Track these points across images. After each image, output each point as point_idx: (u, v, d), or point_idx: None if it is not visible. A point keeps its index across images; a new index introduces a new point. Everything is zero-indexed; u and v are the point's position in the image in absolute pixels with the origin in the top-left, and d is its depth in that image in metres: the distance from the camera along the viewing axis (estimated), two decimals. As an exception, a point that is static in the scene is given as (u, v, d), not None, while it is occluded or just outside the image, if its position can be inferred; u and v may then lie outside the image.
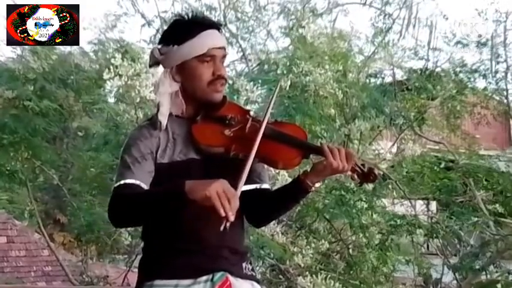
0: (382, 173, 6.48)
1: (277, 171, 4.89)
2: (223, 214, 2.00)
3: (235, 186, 2.18)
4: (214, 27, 2.35)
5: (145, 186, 2.22)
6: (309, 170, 2.33)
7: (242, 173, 2.17)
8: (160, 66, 2.38)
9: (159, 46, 2.37)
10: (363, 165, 2.33)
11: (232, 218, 2.02)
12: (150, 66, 2.42)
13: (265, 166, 2.47)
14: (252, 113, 2.42)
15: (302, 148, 2.34)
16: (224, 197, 2.01)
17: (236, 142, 2.29)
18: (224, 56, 2.34)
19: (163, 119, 2.33)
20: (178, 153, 2.30)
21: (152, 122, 2.35)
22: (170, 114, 2.35)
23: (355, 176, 2.33)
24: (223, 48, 2.34)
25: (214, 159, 2.27)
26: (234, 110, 2.38)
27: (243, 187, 2.28)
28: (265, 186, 2.42)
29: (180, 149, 2.31)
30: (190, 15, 2.41)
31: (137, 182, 2.21)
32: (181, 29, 2.36)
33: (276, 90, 2.61)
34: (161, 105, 2.35)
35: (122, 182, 2.23)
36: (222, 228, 2.02)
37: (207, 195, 2.01)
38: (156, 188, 2.21)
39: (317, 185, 2.35)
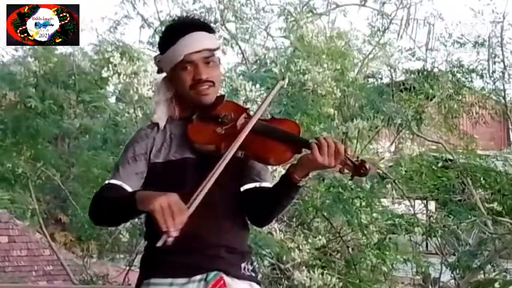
0: (380, 172, 6.52)
1: (274, 168, 4.90)
2: (163, 229, 1.99)
3: (236, 179, 2.22)
4: (194, 29, 2.35)
5: (127, 187, 2.26)
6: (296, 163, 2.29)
7: (208, 177, 2.16)
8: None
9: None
10: (357, 159, 2.26)
11: (174, 234, 2.00)
12: (158, 73, 2.47)
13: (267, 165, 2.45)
14: (251, 112, 2.41)
15: (292, 142, 2.30)
16: (168, 212, 1.99)
17: (227, 140, 2.28)
18: (207, 57, 2.33)
19: (160, 121, 2.38)
20: (173, 152, 2.33)
21: (151, 124, 2.40)
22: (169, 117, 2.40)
23: (344, 169, 2.26)
24: (206, 50, 2.33)
25: (209, 157, 2.27)
26: (230, 108, 2.38)
27: (244, 186, 2.35)
28: (265, 184, 2.39)
29: (175, 149, 2.33)
30: (178, 19, 2.46)
31: (119, 183, 2.27)
32: (165, 36, 2.42)
33: (272, 91, 2.57)
34: (155, 112, 2.40)
35: (107, 181, 2.31)
36: (158, 244, 2.01)
37: (151, 208, 2.01)
38: (120, 196, 2.24)
39: (305, 178, 2.28)
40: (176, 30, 2.38)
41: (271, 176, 2.50)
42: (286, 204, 2.44)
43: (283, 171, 4.85)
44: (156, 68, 2.49)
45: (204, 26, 2.40)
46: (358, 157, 2.30)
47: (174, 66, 2.34)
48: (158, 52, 2.44)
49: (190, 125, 2.35)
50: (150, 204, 2.01)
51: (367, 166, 2.25)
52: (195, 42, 2.33)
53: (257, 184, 2.38)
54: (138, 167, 2.31)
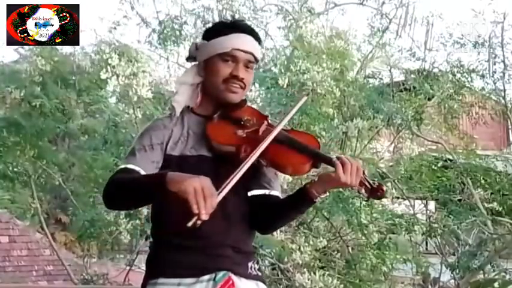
0: (380, 171, 6.52)
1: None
2: (195, 211, 1.98)
3: (246, 183, 2.22)
4: (248, 32, 2.41)
5: (144, 173, 2.25)
6: (316, 179, 2.32)
7: (235, 172, 2.16)
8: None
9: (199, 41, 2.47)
10: (373, 181, 2.31)
11: (204, 217, 1.99)
12: (187, 59, 2.51)
13: (277, 174, 2.48)
14: (269, 119, 2.44)
15: (312, 156, 2.33)
16: (200, 194, 1.98)
17: (248, 143, 2.30)
18: (250, 62, 2.39)
19: (177, 106, 2.40)
20: (189, 148, 2.34)
21: (170, 115, 2.42)
22: (188, 109, 2.42)
23: (363, 191, 2.30)
24: (251, 53, 2.39)
25: (225, 158, 2.29)
26: (252, 114, 2.42)
27: (253, 192, 2.36)
28: (275, 193, 2.42)
29: (192, 145, 2.35)
30: (234, 19, 2.51)
31: (137, 168, 2.26)
32: (216, 27, 2.48)
33: (298, 104, 2.59)
34: (177, 93, 2.43)
35: (123, 166, 2.29)
36: (189, 224, 1.99)
37: (183, 189, 2.00)
38: (145, 175, 2.24)
39: (323, 195, 2.31)
40: (231, 25, 2.45)
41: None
42: (293, 218, 2.52)
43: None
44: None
45: (256, 35, 2.46)
46: (374, 180, 2.34)
47: (215, 55, 2.37)
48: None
49: (210, 123, 2.36)
50: (182, 185, 2.00)
51: (384, 189, 2.30)
52: (246, 42, 2.39)
53: (266, 191, 2.40)
54: (154, 156, 2.31)
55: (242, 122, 2.36)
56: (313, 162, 2.32)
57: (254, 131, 2.35)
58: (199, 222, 1.99)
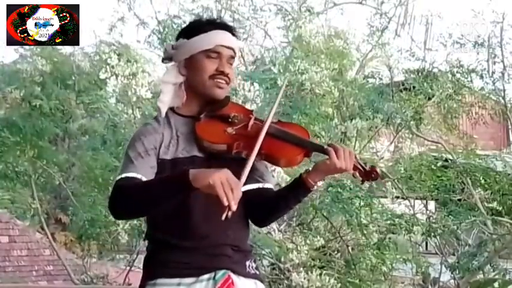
0: (380, 171, 6.52)
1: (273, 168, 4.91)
2: (226, 203, 2.00)
3: (238, 179, 2.18)
4: (227, 29, 2.42)
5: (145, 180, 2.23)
6: (310, 169, 2.33)
7: (245, 166, 2.18)
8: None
9: (174, 42, 2.46)
10: (365, 163, 2.33)
11: (234, 208, 2.01)
12: (163, 60, 2.48)
13: (268, 166, 2.49)
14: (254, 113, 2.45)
15: (304, 146, 2.35)
16: (227, 186, 2.01)
17: (238, 140, 2.31)
18: (232, 57, 2.40)
19: (162, 106, 2.38)
20: (181, 150, 2.32)
21: (156, 118, 2.40)
22: (174, 112, 2.40)
23: (357, 174, 2.33)
24: (232, 49, 2.39)
25: (218, 157, 2.29)
26: (237, 110, 2.42)
27: (247, 186, 2.31)
28: (268, 185, 2.42)
29: (183, 147, 2.33)
30: (208, 17, 2.52)
31: (139, 176, 2.22)
32: (195, 25, 2.46)
33: (280, 93, 2.68)
34: (162, 92, 2.40)
35: (124, 175, 2.24)
36: (223, 217, 2.01)
37: (211, 183, 2.01)
38: (160, 176, 2.23)
39: (319, 183, 2.35)
40: (210, 23, 2.45)
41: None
42: (292, 207, 2.49)
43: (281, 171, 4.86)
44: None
45: (234, 31, 2.47)
46: (366, 163, 2.36)
47: (198, 52, 2.37)
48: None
49: (198, 124, 2.35)
50: (210, 180, 2.02)
51: (378, 171, 2.34)
52: (228, 38, 2.40)
53: (260, 185, 2.40)
54: (151, 161, 2.28)
55: (230, 119, 2.36)
56: (306, 152, 2.35)
57: (243, 127, 2.36)
58: (230, 213, 2.02)
